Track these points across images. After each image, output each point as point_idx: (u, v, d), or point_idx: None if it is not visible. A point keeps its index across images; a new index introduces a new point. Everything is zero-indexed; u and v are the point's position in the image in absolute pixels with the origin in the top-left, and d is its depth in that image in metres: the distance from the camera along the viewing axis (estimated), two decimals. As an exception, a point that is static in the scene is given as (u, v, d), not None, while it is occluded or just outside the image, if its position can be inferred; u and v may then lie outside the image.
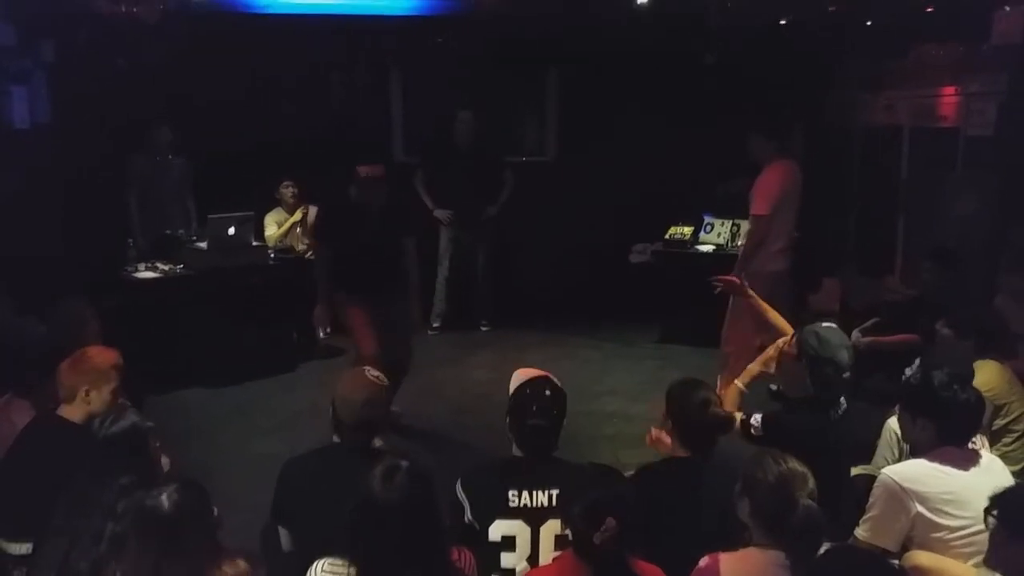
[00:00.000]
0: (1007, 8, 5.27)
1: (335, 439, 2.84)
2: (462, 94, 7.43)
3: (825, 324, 3.16)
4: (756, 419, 3.02)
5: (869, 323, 4.96)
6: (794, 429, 2.92)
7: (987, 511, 2.27)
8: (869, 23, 6.49)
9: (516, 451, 2.73)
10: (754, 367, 3.31)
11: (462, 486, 2.65)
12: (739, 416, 3.05)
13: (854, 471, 3.24)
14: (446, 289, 7.18)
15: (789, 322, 3.51)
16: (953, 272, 4.83)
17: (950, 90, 6.11)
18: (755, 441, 2.97)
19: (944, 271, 4.85)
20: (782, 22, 6.63)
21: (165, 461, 3.03)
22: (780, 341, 3.23)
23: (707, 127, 6.82)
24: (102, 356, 3.14)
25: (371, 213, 4.77)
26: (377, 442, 3.70)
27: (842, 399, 3.02)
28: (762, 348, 3.44)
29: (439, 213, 7.06)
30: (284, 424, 5.17)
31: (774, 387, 4.01)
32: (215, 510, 2.31)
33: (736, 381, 3.30)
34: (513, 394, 2.77)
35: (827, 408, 2.99)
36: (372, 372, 2.86)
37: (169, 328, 5.54)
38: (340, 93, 7.69)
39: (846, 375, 3.00)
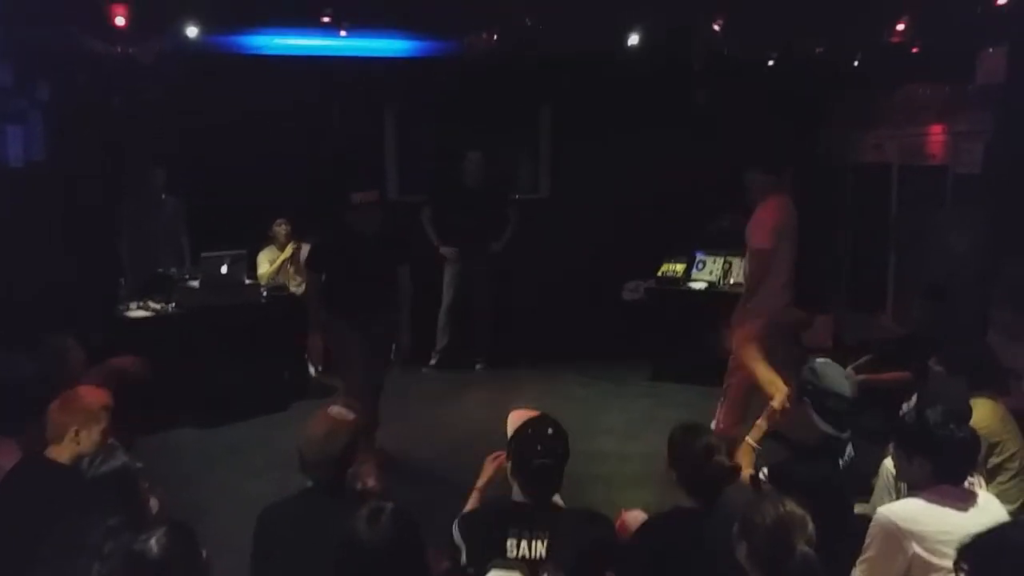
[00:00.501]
0: (991, 49, 5.36)
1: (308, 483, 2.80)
2: (457, 134, 7.48)
3: (819, 360, 3.16)
4: (764, 472, 3.00)
5: (862, 360, 4.95)
6: (801, 479, 2.89)
7: (956, 564, 2.17)
8: (856, 64, 6.59)
9: (517, 495, 2.67)
10: (763, 423, 3.29)
11: (459, 529, 2.60)
12: (748, 473, 3.03)
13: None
14: (449, 325, 7.18)
15: (786, 358, 3.52)
16: (944, 308, 4.84)
17: (938, 129, 6.19)
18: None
19: (936, 307, 4.87)
20: (770, 63, 6.72)
21: (154, 503, 2.99)
22: (780, 398, 3.26)
23: (699, 164, 6.88)
24: (92, 396, 3.11)
25: (365, 239, 4.79)
26: (370, 482, 3.64)
27: (849, 446, 3.01)
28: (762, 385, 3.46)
29: (445, 250, 7.08)
30: (276, 464, 5.09)
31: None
32: (204, 553, 2.27)
33: (747, 438, 3.28)
34: (514, 436, 2.72)
35: (835, 455, 2.97)
36: (335, 409, 2.83)
37: (161, 367, 5.49)
38: (334, 132, 7.75)
39: (850, 405, 3.01)
